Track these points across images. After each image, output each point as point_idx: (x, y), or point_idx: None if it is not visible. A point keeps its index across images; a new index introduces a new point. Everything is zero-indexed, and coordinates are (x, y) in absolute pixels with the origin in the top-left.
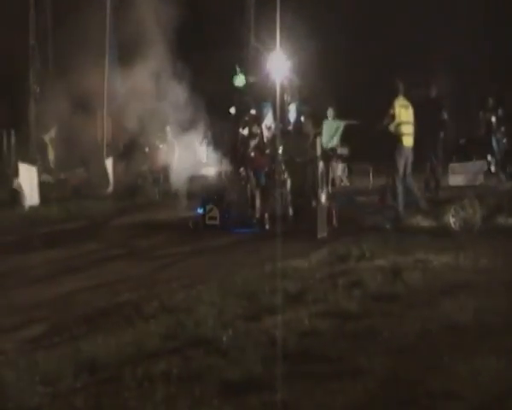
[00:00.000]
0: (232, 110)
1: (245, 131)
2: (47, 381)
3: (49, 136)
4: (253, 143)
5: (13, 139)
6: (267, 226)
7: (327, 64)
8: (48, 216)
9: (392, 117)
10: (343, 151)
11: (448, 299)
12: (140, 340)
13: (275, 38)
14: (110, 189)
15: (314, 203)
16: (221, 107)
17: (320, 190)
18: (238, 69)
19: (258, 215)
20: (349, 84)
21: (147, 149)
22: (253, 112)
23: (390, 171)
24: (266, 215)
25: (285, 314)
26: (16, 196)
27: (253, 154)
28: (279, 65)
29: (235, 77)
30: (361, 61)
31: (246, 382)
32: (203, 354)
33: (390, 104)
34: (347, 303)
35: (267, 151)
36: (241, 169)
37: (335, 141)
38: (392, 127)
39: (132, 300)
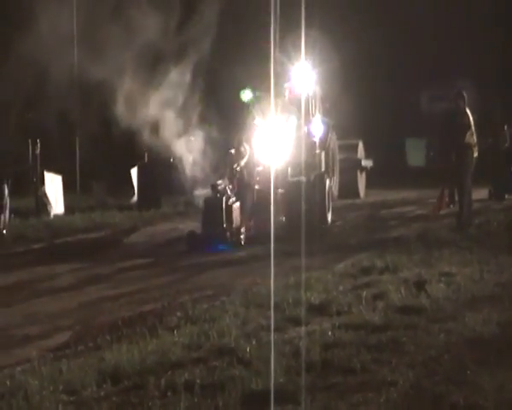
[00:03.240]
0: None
1: (232, 150)
2: (70, 390)
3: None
4: (241, 160)
5: (39, 148)
6: (242, 243)
7: (350, 76)
8: (72, 225)
9: (469, 127)
10: (367, 163)
11: (472, 312)
12: (163, 350)
13: (299, 50)
14: (134, 198)
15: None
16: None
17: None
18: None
19: (234, 231)
20: (371, 96)
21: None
22: (254, 125)
23: (459, 180)
24: (242, 230)
25: (308, 325)
26: (42, 204)
27: (238, 168)
28: (304, 77)
29: (242, 92)
30: (384, 74)
31: (269, 393)
32: (226, 364)
33: (465, 115)
34: (371, 315)
35: (259, 168)
36: (219, 181)
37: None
38: (467, 137)
39: (156, 310)
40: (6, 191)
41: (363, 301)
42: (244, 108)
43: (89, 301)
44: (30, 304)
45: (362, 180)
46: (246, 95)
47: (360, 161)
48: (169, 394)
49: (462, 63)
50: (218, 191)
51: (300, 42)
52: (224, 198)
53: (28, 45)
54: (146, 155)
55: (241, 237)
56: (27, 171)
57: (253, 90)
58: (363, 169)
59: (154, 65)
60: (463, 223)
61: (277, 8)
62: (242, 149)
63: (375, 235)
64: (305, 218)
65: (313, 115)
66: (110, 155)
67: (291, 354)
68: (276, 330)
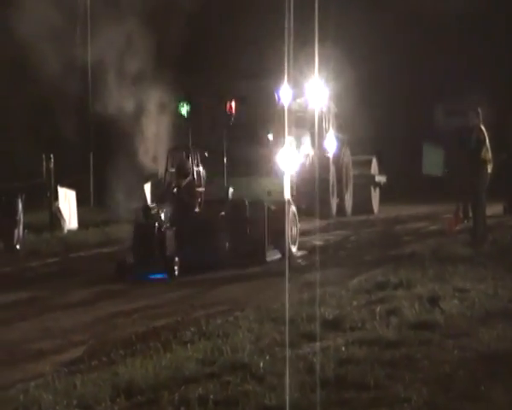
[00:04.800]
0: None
1: (172, 169)
2: (84, 405)
3: None
4: (182, 180)
5: (52, 163)
6: (176, 272)
7: (364, 92)
8: (86, 240)
9: (484, 143)
10: (381, 179)
11: (486, 328)
12: (177, 365)
13: (313, 66)
14: None
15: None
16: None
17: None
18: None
19: (167, 259)
20: (385, 111)
21: None
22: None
23: (474, 196)
24: (176, 259)
25: (322, 341)
26: (55, 219)
27: (175, 190)
28: (317, 92)
29: (180, 104)
30: (398, 88)
31: (282, 408)
32: (240, 379)
33: (481, 131)
34: (385, 331)
35: (200, 189)
36: (153, 205)
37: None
38: (482, 153)
39: (170, 324)
40: (20, 206)
41: (377, 317)
42: (182, 122)
43: (103, 316)
44: (44, 319)
45: (376, 196)
46: (184, 108)
47: (374, 176)
48: (182, 409)
49: (476, 77)
50: (150, 216)
51: (314, 58)
52: (156, 224)
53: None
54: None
55: (175, 266)
56: (41, 186)
57: (190, 102)
58: (376, 185)
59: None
60: (478, 238)
61: (291, 23)
62: (185, 167)
63: (389, 251)
64: (247, 246)
65: (327, 131)
66: (124, 170)
67: (305, 369)
68: (289, 345)
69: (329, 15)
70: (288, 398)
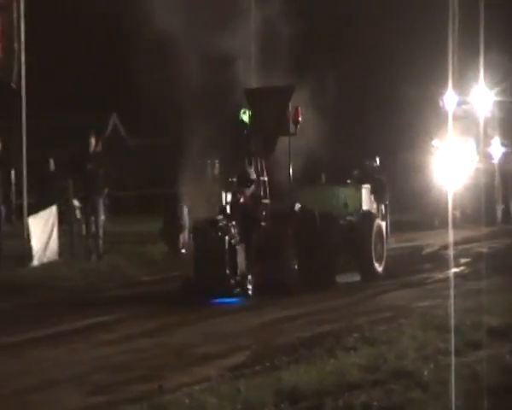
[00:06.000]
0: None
1: (234, 178)
2: (248, 409)
3: None
4: (246, 190)
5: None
6: (250, 292)
7: None
8: None
9: None
10: None
11: None
12: (341, 371)
13: (478, 72)
14: None
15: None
16: None
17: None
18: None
19: (238, 277)
20: None
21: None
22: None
23: None
24: (249, 278)
25: (488, 349)
26: None
27: (242, 199)
28: (482, 98)
29: (242, 111)
30: None
31: None
32: (404, 387)
33: None
34: None
35: (266, 201)
36: (220, 217)
37: None
38: None
39: (333, 331)
40: (185, 211)
41: None
42: (243, 130)
43: (267, 321)
44: (210, 323)
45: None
46: (246, 115)
47: None
48: None
49: None
50: (219, 229)
51: (479, 63)
52: (226, 238)
53: None
54: (323, 176)
55: (249, 286)
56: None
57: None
58: None
59: None
60: None
61: (455, 26)
62: (248, 176)
63: None
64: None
65: (492, 137)
66: None
67: (470, 377)
68: (454, 353)
69: (495, 19)
70: (453, 407)
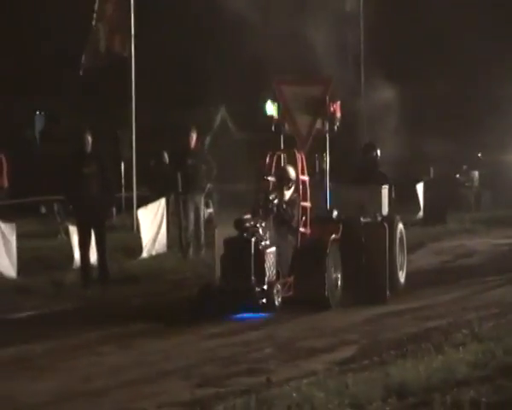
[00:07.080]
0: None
1: (270, 177)
2: (356, 403)
3: None
4: (284, 191)
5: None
6: (277, 304)
7: None
8: None
9: None
10: None
11: None
12: (449, 367)
13: None
14: (420, 214)
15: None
16: None
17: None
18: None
19: (265, 287)
20: None
21: None
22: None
23: None
24: (278, 286)
25: None
26: None
27: (276, 201)
28: None
29: (264, 104)
30: None
31: None
32: None
33: None
34: None
35: (307, 204)
36: (247, 216)
37: None
38: None
39: (442, 326)
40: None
41: None
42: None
43: (374, 316)
44: (315, 318)
45: None
46: (269, 107)
47: None
48: None
49: None
50: (245, 230)
51: None
52: (253, 240)
53: None
54: (431, 170)
55: (276, 296)
56: None
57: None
58: None
59: None
60: None
61: None
62: (287, 176)
63: None
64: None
65: None
66: None
67: None
68: None
69: None
70: None
